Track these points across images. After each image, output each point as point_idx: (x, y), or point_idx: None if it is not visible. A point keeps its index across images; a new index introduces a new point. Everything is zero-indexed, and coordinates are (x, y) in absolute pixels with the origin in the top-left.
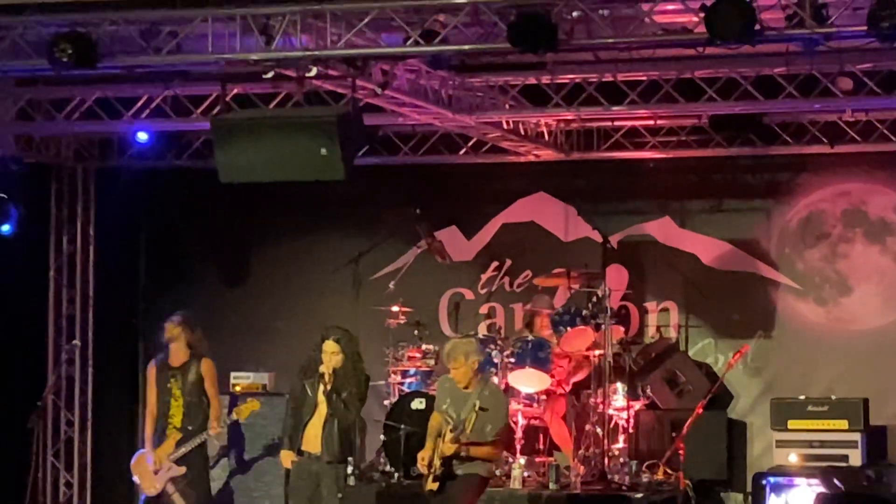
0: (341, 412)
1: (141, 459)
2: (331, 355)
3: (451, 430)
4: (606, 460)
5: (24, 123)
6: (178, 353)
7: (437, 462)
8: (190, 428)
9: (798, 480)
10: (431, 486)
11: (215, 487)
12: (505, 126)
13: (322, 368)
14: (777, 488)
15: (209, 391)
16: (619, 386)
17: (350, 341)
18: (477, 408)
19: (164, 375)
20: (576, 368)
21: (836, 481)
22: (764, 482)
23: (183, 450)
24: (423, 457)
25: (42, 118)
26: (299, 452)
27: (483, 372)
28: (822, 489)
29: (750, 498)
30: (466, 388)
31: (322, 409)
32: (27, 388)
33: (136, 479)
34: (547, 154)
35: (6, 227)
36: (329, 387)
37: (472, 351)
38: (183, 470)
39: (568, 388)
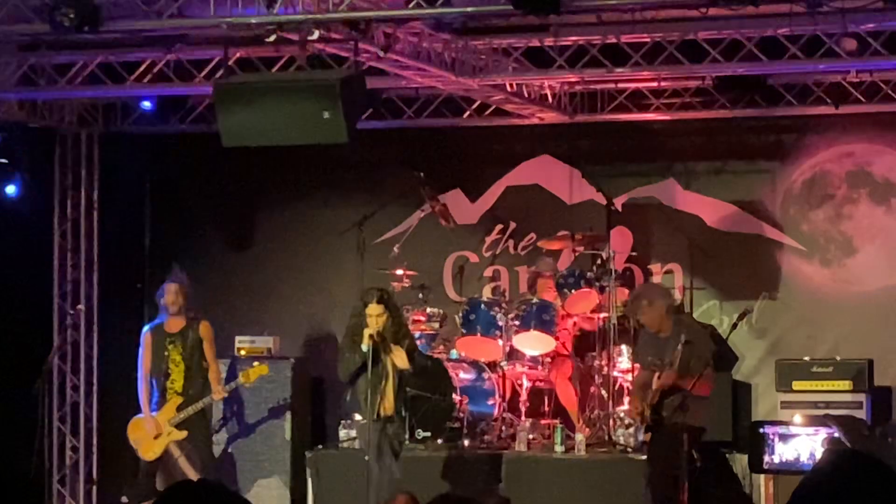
0: (406, 368)
1: (137, 424)
2: (376, 318)
3: (659, 374)
4: (611, 422)
5: (27, 88)
6: (176, 317)
7: (647, 412)
8: (191, 392)
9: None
10: (645, 437)
11: (217, 451)
12: (508, 89)
13: (369, 332)
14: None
15: (208, 354)
16: (624, 348)
17: (391, 298)
18: (683, 341)
19: (161, 341)
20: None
21: (830, 428)
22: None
23: (183, 414)
24: (634, 407)
25: (45, 83)
26: (377, 419)
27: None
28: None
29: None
30: (659, 332)
31: (389, 370)
32: (32, 354)
33: (133, 444)
34: (551, 117)
35: (11, 189)
36: (382, 348)
37: (658, 295)
38: (184, 434)
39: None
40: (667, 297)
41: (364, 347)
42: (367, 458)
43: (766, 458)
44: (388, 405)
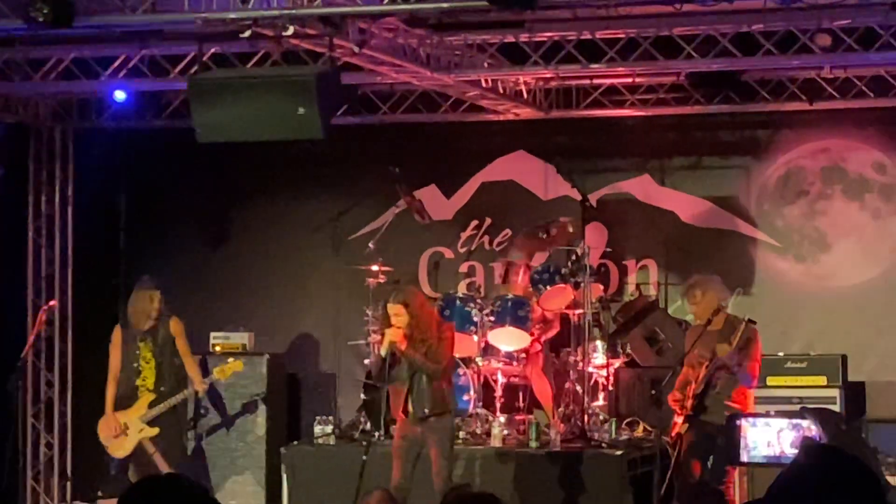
0: (427, 365)
1: (106, 422)
2: (395, 318)
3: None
4: (586, 418)
5: (1, 84)
6: (148, 317)
7: (689, 402)
8: (163, 389)
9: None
10: (681, 428)
11: (191, 448)
12: (484, 84)
13: (389, 335)
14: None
15: (181, 349)
16: (599, 344)
17: (411, 296)
18: (746, 319)
19: (132, 340)
20: (545, 328)
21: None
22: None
23: (156, 411)
24: (675, 399)
25: (19, 78)
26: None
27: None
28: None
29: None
30: (708, 325)
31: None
32: (6, 350)
33: (102, 441)
34: (526, 112)
35: None
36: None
37: (711, 288)
38: (156, 431)
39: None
40: (721, 290)
41: (383, 352)
42: (364, 457)
43: (743, 451)
44: (415, 405)
